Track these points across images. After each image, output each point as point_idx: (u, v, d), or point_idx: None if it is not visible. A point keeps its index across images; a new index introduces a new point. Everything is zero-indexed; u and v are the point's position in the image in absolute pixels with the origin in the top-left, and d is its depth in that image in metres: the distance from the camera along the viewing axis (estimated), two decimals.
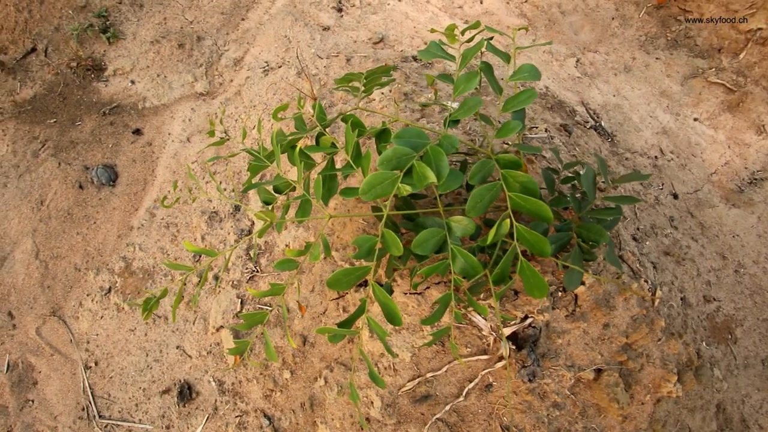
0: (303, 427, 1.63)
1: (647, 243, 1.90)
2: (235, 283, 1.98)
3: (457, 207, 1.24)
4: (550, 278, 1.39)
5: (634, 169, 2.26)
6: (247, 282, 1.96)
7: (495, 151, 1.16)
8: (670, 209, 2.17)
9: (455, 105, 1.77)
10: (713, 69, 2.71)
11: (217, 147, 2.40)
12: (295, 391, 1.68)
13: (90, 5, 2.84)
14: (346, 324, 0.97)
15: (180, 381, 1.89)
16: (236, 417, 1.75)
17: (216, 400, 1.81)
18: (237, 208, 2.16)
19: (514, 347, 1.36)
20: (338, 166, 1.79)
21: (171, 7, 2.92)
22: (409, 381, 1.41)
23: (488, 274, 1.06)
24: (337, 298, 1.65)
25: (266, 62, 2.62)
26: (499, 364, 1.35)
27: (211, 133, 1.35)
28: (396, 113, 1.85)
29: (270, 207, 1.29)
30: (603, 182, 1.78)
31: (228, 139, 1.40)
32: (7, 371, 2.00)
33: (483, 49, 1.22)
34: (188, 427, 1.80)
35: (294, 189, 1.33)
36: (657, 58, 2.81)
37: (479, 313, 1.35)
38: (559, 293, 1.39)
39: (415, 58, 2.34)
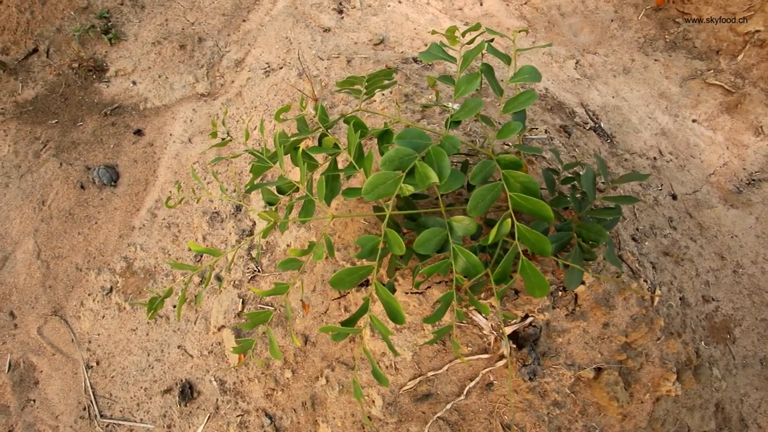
0: (304, 426, 1.64)
1: (646, 243, 1.91)
2: (236, 283, 1.99)
3: (458, 207, 1.25)
4: (550, 278, 1.40)
5: (633, 170, 2.27)
6: (248, 282, 1.97)
7: (496, 152, 1.18)
8: (669, 210, 2.19)
9: (456, 106, 1.78)
10: (712, 71, 2.73)
11: (218, 148, 2.41)
12: (297, 391, 1.68)
13: (92, 6, 2.85)
14: (349, 322, 0.98)
15: (181, 380, 1.89)
16: (237, 416, 1.76)
17: (217, 400, 1.82)
18: (238, 209, 2.17)
19: (514, 346, 1.37)
20: (340, 166, 1.80)
21: (172, 9, 2.93)
22: (410, 380, 1.42)
23: (489, 274, 1.07)
24: (338, 298, 1.66)
25: (267, 63, 2.63)
26: (500, 363, 1.36)
27: (214, 134, 1.36)
28: (397, 114, 1.86)
29: (273, 207, 1.30)
30: (603, 183, 1.80)
31: (231, 140, 1.41)
32: (8, 371, 2.00)
33: (484, 51, 1.23)
34: (189, 427, 1.80)
35: (296, 190, 1.34)
36: (656, 60, 2.82)
37: (480, 312, 1.36)
38: (560, 293, 1.40)
39: (415, 60, 2.36)
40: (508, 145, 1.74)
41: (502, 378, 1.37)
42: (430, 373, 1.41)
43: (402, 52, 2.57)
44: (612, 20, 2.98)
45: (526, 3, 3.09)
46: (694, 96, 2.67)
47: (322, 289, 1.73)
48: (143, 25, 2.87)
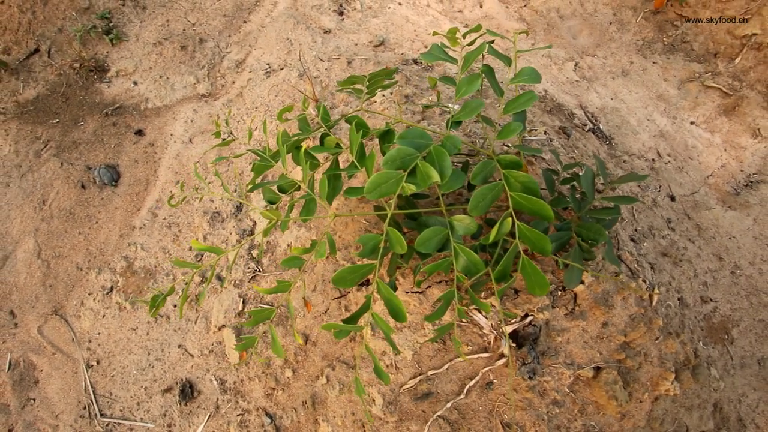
0: (304, 426, 1.64)
1: (645, 244, 1.92)
2: (237, 282, 1.99)
3: (458, 207, 1.26)
4: (550, 278, 1.41)
5: (631, 171, 2.29)
6: (249, 281, 1.97)
7: (496, 153, 1.19)
8: (667, 211, 2.20)
9: (457, 107, 1.80)
10: (709, 73, 2.75)
11: (219, 148, 2.42)
12: (297, 390, 1.69)
13: (93, 7, 2.86)
14: (351, 320, 0.99)
15: (182, 380, 1.90)
16: (238, 415, 1.76)
17: (218, 399, 1.82)
18: (239, 209, 2.18)
19: (514, 345, 1.38)
20: (341, 166, 1.81)
21: (174, 10, 2.95)
22: (410, 379, 1.43)
23: (490, 272, 1.08)
24: (339, 298, 1.67)
25: (268, 64, 2.64)
26: (500, 362, 1.37)
27: (217, 134, 1.37)
28: (398, 115, 1.87)
29: (274, 206, 1.31)
30: (601, 183, 1.81)
31: (234, 140, 1.42)
32: (8, 370, 2.00)
33: (484, 53, 1.25)
34: (190, 426, 1.81)
35: (298, 189, 1.35)
36: (654, 63, 2.84)
37: (480, 312, 1.37)
38: (559, 292, 1.41)
39: (415, 61, 2.37)
40: (508, 145, 1.76)
41: (502, 377, 1.38)
42: (430, 372, 1.42)
43: (402, 54, 2.59)
44: (611, 23, 3.00)
45: (525, 5, 3.11)
46: (692, 98, 2.69)
47: (322, 288, 1.74)
48: (144, 26, 2.88)
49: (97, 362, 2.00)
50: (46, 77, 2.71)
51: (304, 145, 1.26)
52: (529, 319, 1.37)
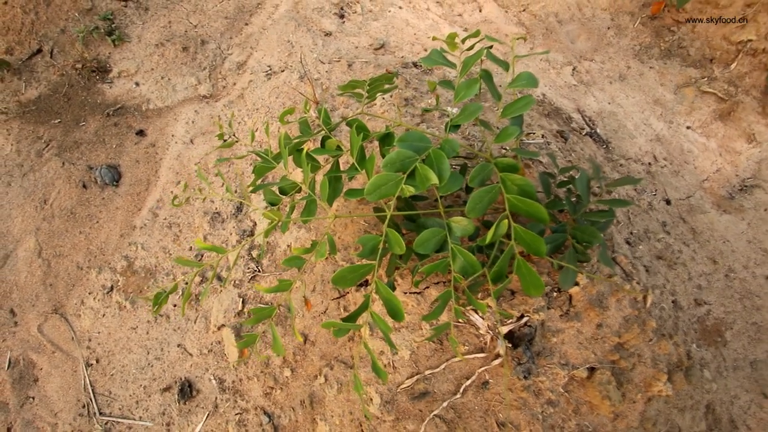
0: (302, 425, 1.66)
1: (640, 247, 1.95)
2: (236, 282, 2.01)
3: (456, 209, 1.28)
4: (545, 279, 1.43)
5: (628, 175, 2.31)
6: (249, 282, 1.99)
7: (494, 156, 1.21)
8: (662, 214, 2.23)
9: (455, 110, 1.82)
10: (705, 78, 2.78)
11: (221, 149, 2.44)
12: (295, 389, 1.71)
13: (96, 8, 2.88)
14: (350, 318, 1.01)
15: (181, 379, 1.91)
16: (236, 414, 1.78)
17: (216, 398, 1.84)
18: (239, 210, 2.20)
19: (510, 345, 1.40)
20: (342, 168, 1.83)
21: (176, 11, 2.97)
22: (407, 378, 1.44)
23: (486, 273, 1.10)
24: (337, 298, 1.69)
25: (269, 66, 2.67)
26: (496, 362, 1.39)
27: (221, 136, 1.39)
28: (398, 118, 1.90)
29: (275, 208, 1.33)
30: (598, 186, 1.84)
31: (236, 141, 1.44)
32: (8, 368, 2.01)
33: (483, 57, 1.27)
34: (188, 425, 1.82)
35: (299, 190, 1.37)
36: (651, 67, 2.88)
37: (477, 312, 1.39)
38: (554, 293, 1.43)
39: (415, 65, 2.39)
40: (505, 149, 1.78)
41: (498, 377, 1.40)
42: (427, 372, 1.44)
43: (402, 57, 2.61)
44: (608, 28, 3.04)
45: (524, 10, 3.14)
46: (689, 103, 2.73)
47: (321, 289, 1.76)
48: (146, 27, 2.90)
49: (97, 361, 2.01)
50: (48, 77, 2.73)
51: (305, 147, 1.28)
52: (524, 319, 1.40)
